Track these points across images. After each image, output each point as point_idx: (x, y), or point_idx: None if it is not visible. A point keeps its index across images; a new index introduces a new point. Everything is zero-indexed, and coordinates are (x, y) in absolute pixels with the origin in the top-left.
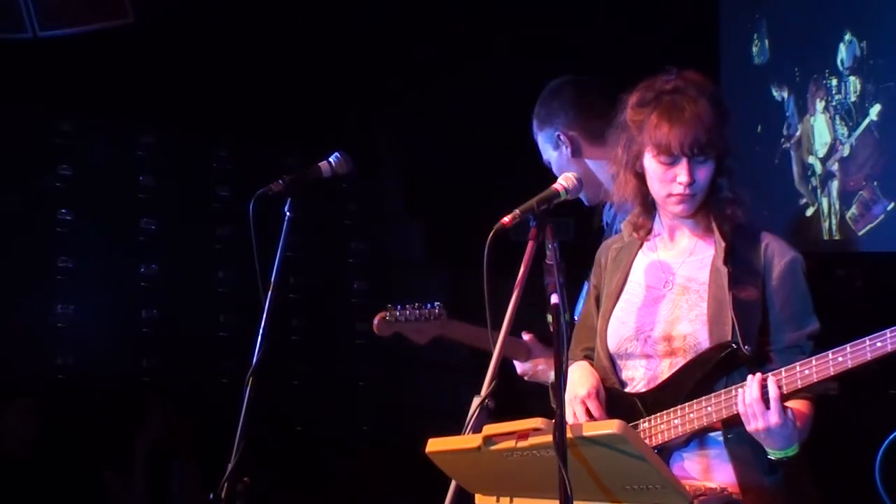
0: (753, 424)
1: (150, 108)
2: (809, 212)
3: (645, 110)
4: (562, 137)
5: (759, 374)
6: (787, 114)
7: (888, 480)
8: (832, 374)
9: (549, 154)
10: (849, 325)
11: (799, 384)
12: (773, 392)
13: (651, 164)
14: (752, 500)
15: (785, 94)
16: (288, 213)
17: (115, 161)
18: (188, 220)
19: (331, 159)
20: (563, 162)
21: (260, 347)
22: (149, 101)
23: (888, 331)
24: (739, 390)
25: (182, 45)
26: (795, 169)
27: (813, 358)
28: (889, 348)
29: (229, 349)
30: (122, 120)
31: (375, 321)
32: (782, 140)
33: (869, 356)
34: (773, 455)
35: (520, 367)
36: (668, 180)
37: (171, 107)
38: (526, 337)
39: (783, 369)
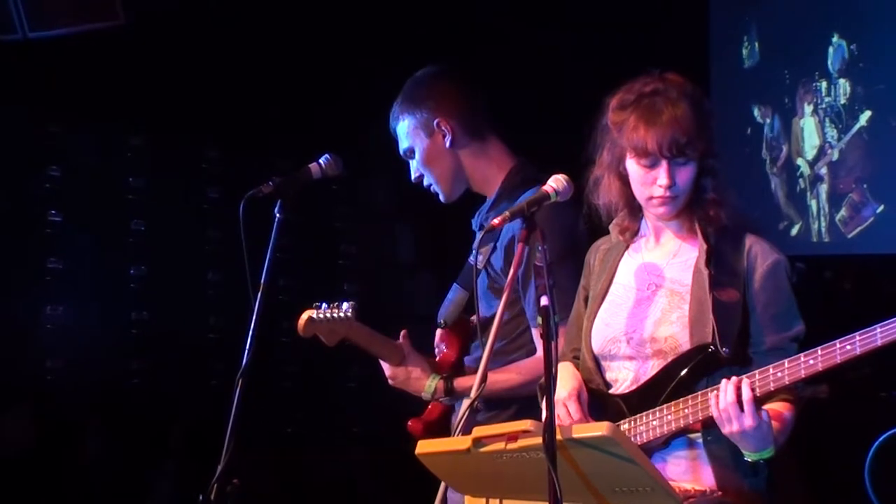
0: (728, 427)
1: (139, 110)
2: (794, 230)
3: (625, 113)
4: (442, 125)
5: (734, 377)
6: (771, 136)
7: (877, 482)
8: (803, 376)
9: (419, 140)
10: (837, 328)
11: (771, 386)
12: (746, 395)
13: (632, 166)
14: (734, 501)
15: (769, 119)
16: (278, 215)
17: (105, 162)
18: (178, 222)
19: (321, 161)
20: (435, 151)
21: (249, 349)
22: (139, 103)
23: (857, 334)
24: (714, 392)
25: (172, 46)
26: (781, 186)
27: (785, 360)
28: (858, 352)
29: (219, 351)
30: (112, 121)
31: (301, 322)
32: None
33: (839, 359)
34: (749, 457)
35: (389, 370)
36: (648, 183)
37: (160, 108)
38: (402, 341)
39: (757, 371)
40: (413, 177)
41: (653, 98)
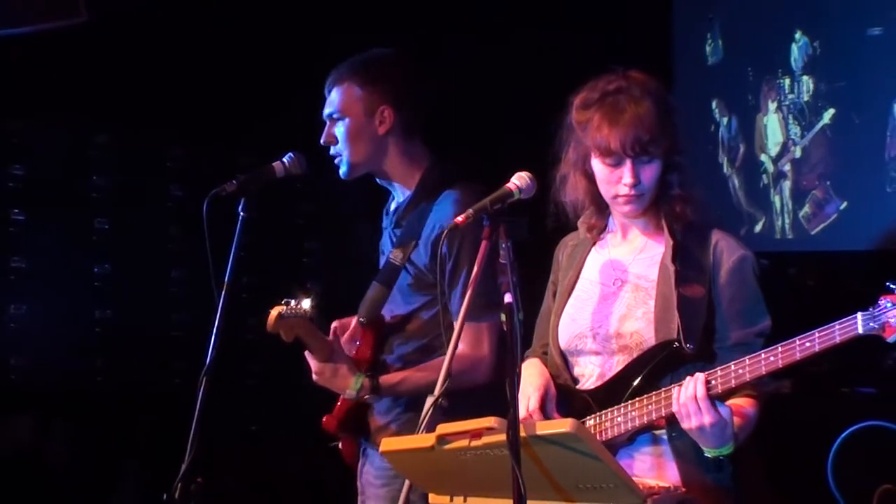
0: (687, 423)
1: (103, 108)
2: (758, 227)
3: (588, 112)
4: (386, 112)
5: (696, 374)
6: (728, 136)
7: (840, 478)
8: (764, 373)
9: (354, 114)
10: (801, 324)
11: (733, 383)
12: (701, 392)
13: (597, 165)
14: (697, 497)
15: (726, 119)
16: (241, 213)
17: (68, 160)
18: (141, 220)
19: (284, 159)
20: (367, 132)
21: (213, 347)
22: (102, 101)
23: (817, 331)
24: (675, 389)
25: (136, 44)
26: (741, 186)
27: (747, 357)
28: (817, 348)
29: (183, 349)
30: (76, 119)
31: (271, 318)
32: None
33: (798, 356)
34: (709, 453)
35: (316, 366)
36: (613, 181)
37: (124, 106)
38: (331, 337)
39: (718, 368)
40: (324, 140)
41: (616, 96)
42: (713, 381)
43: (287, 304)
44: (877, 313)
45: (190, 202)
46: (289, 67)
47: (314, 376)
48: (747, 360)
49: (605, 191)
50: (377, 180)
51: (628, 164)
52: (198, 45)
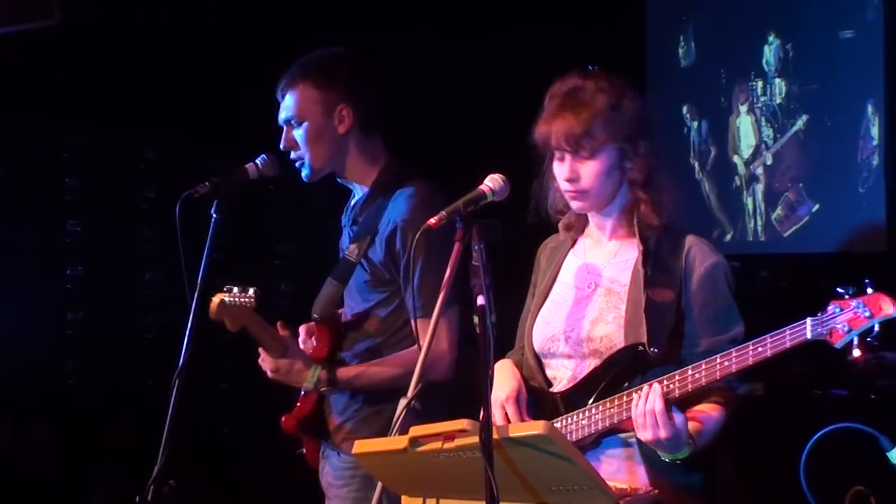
0: (642, 434)
1: (75, 110)
2: (729, 230)
3: (543, 110)
4: (344, 112)
5: (653, 385)
6: (699, 140)
7: (813, 480)
8: (718, 377)
9: (313, 116)
10: (773, 327)
11: (689, 388)
12: (659, 406)
13: (554, 163)
14: (668, 499)
15: (696, 123)
16: (214, 215)
17: (41, 162)
18: (114, 222)
19: (258, 161)
20: (327, 133)
21: (186, 349)
22: (74, 103)
23: (769, 336)
24: (634, 395)
25: (109, 46)
26: (712, 189)
27: (703, 362)
28: (769, 353)
29: (156, 351)
30: (48, 121)
31: (214, 305)
32: (697, 171)
33: (751, 361)
34: (665, 457)
35: (271, 363)
36: (559, 177)
37: (96, 108)
38: (283, 332)
39: (676, 373)
40: (283, 145)
41: (567, 95)
42: (671, 386)
43: (230, 290)
44: (825, 319)
45: (163, 204)
46: (262, 69)
47: (270, 373)
48: (703, 365)
49: (557, 186)
50: (338, 179)
51: (567, 159)
52: (170, 47)
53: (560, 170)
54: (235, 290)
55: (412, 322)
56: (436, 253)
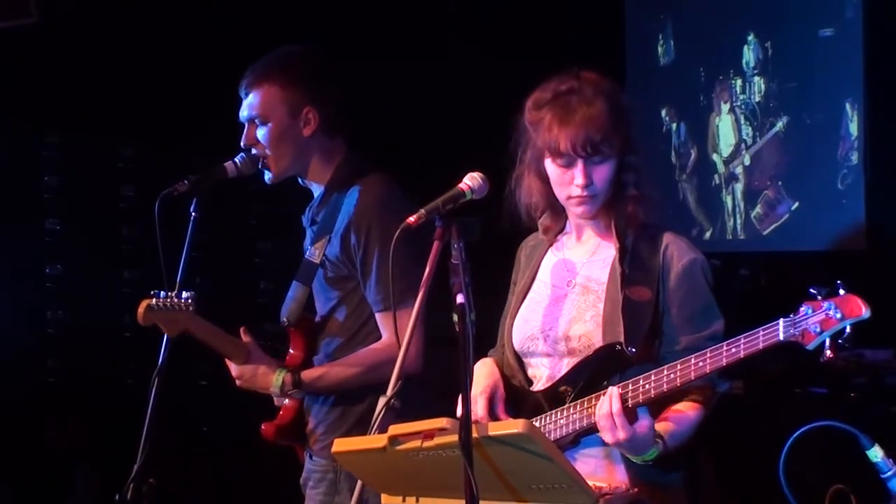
0: (605, 437)
1: (54, 108)
2: (709, 228)
3: (540, 112)
4: (310, 114)
5: (611, 389)
6: (678, 141)
7: (793, 479)
8: (693, 377)
9: (277, 115)
10: (753, 326)
11: (665, 388)
12: (616, 407)
13: (550, 166)
14: (648, 498)
15: (675, 124)
16: (193, 213)
17: (19, 161)
18: (93, 221)
19: (237, 159)
20: (291, 133)
21: (165, 348)
22: (53, 101)
23: (742, 337)
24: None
25: (87, 44)
26: (692, 190)
27: (678, 362)
28: (742, 354)
29: (135, 349)
30: (26, 120)
31: (140, 310)
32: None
33: (724, 362)
34: (634, 459)
35: (235, 369)
36: (566, 183)
37: (75, 106)
38: (245, 338)
39: (652, 373)
40: (245, 142)
41: (567, 97)
42: (647, 387)
43: (156, 295)
44: (798, 320)
45: (142, 202)
46: (241, 68)
47: (236, 381)
48: (679, 365)
49: (559, 192)
50: (300, 181)
51: (580, 164)
52: (150, 45)
53: (566, 175)
54: (162, 294)
55: (375, 315)
56: (392, 245)
